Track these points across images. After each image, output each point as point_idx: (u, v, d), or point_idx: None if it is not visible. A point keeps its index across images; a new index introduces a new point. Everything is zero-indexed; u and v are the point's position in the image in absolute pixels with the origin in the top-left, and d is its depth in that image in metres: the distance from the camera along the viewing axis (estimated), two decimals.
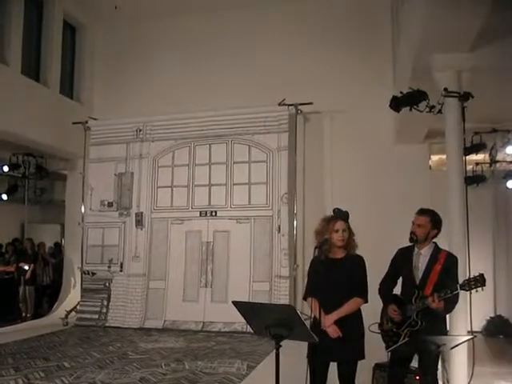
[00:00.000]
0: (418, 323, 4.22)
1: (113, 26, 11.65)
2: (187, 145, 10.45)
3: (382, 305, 4.56)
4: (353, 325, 4.10)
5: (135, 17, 11.22)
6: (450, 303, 4.20)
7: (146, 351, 7.79)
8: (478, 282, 4.02)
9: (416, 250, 4.42)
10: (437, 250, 4.38)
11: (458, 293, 4.18)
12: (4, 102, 9.25)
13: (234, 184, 10.04)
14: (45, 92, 10.55)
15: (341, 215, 4.20)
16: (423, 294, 4.20)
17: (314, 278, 4.18)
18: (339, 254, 4.21)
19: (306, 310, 4.37)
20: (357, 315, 4.18)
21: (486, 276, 4.02)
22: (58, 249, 13.69)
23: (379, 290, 4.47)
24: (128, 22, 11.41)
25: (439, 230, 4.43)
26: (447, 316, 4.40)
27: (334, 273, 4.12)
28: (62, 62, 11.27)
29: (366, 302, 4.17)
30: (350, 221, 4.25)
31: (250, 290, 9.45)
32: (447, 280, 4.18)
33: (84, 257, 10.72)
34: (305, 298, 4.38)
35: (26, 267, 11.48)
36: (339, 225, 4.16)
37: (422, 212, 4.45)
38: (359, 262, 4.23)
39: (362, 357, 4.11)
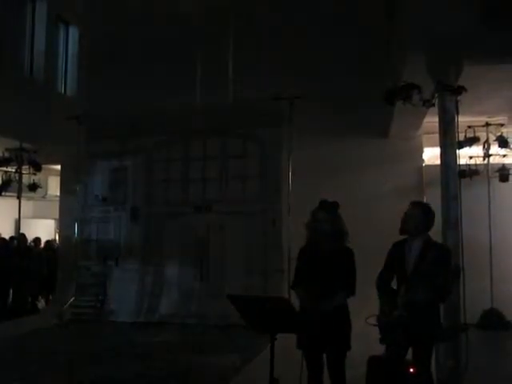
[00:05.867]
0: (410, 316, 4.23)
1: (105, 19, 11.54)
2: (181, 139, 10.43)
3: (372, 298, 4.56)
4: (338, 316, 4.14)
5: (127, 8, 11.13)
6: (442, 295, 4.22)
7: (142, 345, 7.81)
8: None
9: (408, 242, 4.43)
10: (429, 242, 4.38)
11: (450, 285, 4.20)
12: None
13: (228, 178, 10.04)
14: (37, 86, 10.49)
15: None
16: (415, 285, 4.21)
17: (301, 267, 4.23)
18: (326, 246, 4.23)
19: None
20: (342, 307, 4.22)
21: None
22: (52, 245, 13.64)
23: (376, 283, 4.49)
24: (120, 14, 11.31)
25: (432, 222, 4.44)
26: (440, 308, 4.42)
27: (320, 264, 4.15)
28: (53, 56, 11.21)
29: (353, 294, 4.20)
30: (339, 212, 4.28)
31: (245, 284, 9.47)
32: (439, 272, 4.19)
33: (79, 252, 10.72)
34: (293, 287, 4.41)
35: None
36: (314, 212, 4.23)
37: (415, 204, 4.45)
38: (347, 255, 4.24)
39: (348, 347, 4.16)
